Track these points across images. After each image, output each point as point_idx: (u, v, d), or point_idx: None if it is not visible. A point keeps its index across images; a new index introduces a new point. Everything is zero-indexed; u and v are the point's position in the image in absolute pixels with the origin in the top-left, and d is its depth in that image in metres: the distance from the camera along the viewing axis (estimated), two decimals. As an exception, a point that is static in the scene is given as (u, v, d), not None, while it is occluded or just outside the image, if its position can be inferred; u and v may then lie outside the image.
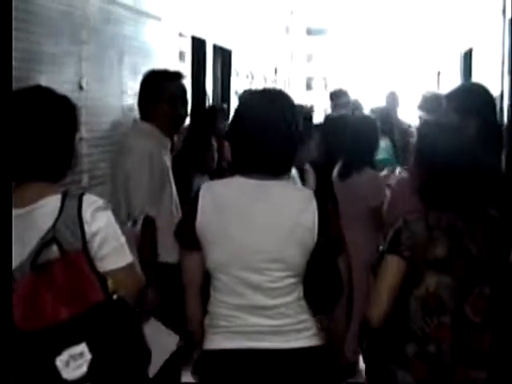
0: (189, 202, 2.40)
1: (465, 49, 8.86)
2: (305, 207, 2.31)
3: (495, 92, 4.67)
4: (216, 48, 9.07)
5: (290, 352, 2.27)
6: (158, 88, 3.60)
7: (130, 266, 2.13)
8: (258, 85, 11.77)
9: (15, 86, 2.03)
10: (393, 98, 7.51)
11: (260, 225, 2.28)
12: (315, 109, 8.64)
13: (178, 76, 3.75)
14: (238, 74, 10.31)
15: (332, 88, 9.33)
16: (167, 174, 3.61)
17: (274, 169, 2.33)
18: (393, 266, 2.34)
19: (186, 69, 7.62)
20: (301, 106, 7.46)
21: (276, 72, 14.00)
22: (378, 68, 21.97)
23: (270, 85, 13.10)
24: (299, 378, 2.27)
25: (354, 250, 2.59)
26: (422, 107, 5.33)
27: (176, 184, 3.71)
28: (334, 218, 2.39)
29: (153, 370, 2.27)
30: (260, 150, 2.30)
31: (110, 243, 2.08)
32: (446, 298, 2.32)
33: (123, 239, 2.13)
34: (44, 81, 4.05)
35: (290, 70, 16.47)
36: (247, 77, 11.11)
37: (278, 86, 13.81)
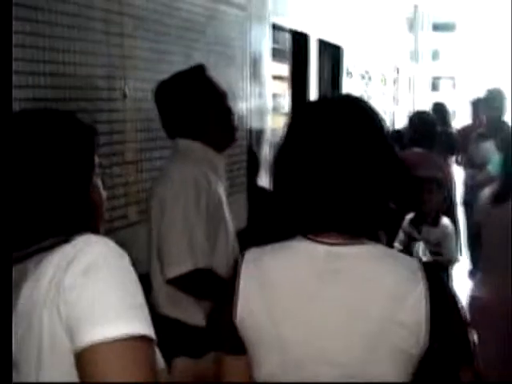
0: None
1: None
2: (405, 292, 1.57)
3: None
4: (322, 44, 7.75)
5: None
6: (199, 89, 2.84)
7: None
8: (375, 87, 10.45)
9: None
10: None
11: (330, 322, 1.58)
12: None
13: (202, 69, 2.94)
14: (350, 74, 9.00)
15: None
16: (221, 208, 2.77)
17: (354, 226, 1.63)
18: None
19: (282, 69, 6.43)
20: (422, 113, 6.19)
21: (398, 72, 12.61)
22: None
23: (390, 87, 11.73)
24: None
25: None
26: None
27: None
28: (456, 308, 1.64)
29: None
30: (332, 196, 1.61)
31: None
32: None
33: None
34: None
35: (414, 69, 15.12)
36: (362, 77, 9.77)
37: (401, 88, 12.44)
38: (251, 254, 1.73)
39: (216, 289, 2.64)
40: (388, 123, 8.62)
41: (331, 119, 1.66)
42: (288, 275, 1.66)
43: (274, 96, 6.40)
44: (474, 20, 22.03)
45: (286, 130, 1.73)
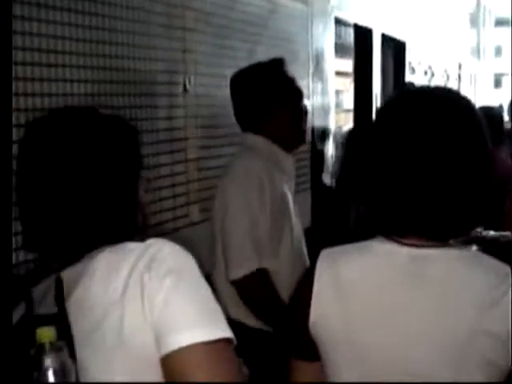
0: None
1: None
2: (494, 299, 1.43)
3: None
4: (386, 38, 7.57)
5: None
6: (276, 84, 2.71)
7: None
8: (438, 82, 10.23)
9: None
10: None
11: (413, 330, 1.46)
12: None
13: (281, 63, 2.81)
14: (413, 69, 8.80)
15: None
16: (286, 208, 2.66)
17: (441, 228, 1.49)
18: None
19: (346, 64, 6.28)
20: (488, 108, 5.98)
21: (460, 68, 12.33)
22: None
23: (453, 83, 11.47)
24: None
25: None
26: None
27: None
28: None
29: None
30: (421, 195, 1.47)
31: None
32: None
33: None
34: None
35: (476, 65, 14.80)
36: (425, 73, 9.56)
37: (463, 84, 12.18)
38: (326, 256, 1.60)
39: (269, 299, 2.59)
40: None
41: (427, 113, 1.52)
42: (367, 279, 1.54)
43: (337, 92, 6.25)
44: (538, 15, 21.62)
45: (376, 122, 1.59)
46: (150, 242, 1.40)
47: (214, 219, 2.70)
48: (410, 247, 1.51)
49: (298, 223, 2.74)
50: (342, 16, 6.11)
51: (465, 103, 1.57)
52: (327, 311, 1.54)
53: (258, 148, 2.69)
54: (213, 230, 2.70)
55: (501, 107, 7.37)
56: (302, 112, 2.77)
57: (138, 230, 1.53)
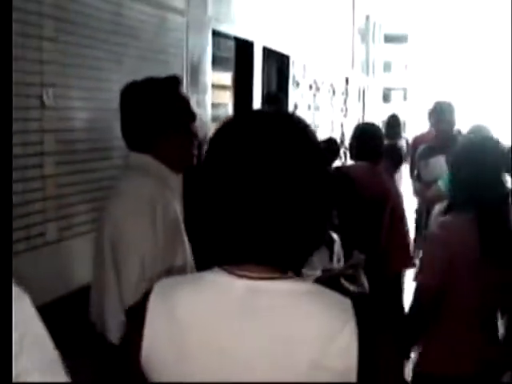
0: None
1: None
2: (333, 334, 1.37)
3: None
4: (269, 52, 7.55)
5: None
6: (171, 104, 2.60)
7: None
8: (323, 97, 10.32)
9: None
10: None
11: (247, 370, 1.37)
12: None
13: (177, 82, 2.69)
14: (298, 83, 8.82)
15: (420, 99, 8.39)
16: (178, 228, 2.58)
17: (278, 255, 1.42)
18: None
19: (226, 77, 6.22)
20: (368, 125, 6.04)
21: (347, 82, 12.49)
22: (465, 78, 20.70)
23: (339, 97, 11.60)
24: None
25: None
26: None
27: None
28: (390, 352, 1.43)
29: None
30: (254, 222, 1.40)
31: None
32: None
33: None
34: None
35: (365, 80, 15.07)
36: (310, 87, 9.60)
37: (350, 98, 12.34)
38: (160, 287, 1.52)
39: None
40: (337, 134, 8.51)
41: (256, 135, 1.45)
42: (200, 312, 1.45)
43: (217, 105, 6.18)
44: (425, 32, 22.17)
45: (208, 146, 1.52)
46: None
47: (102, 243, 2.56)
48: (245, 279, 1.44)
49: (187, 244, 2.64)
50: (222, 28, 6.04)
51: (296, 126, 1.51)
52: (160, 345, 1.46)
53: (146, 168, 2.58)
54: (101, 256, 2.56)
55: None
56: (192, 136, 2.67)
57: None
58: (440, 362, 2.97)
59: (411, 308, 2.99)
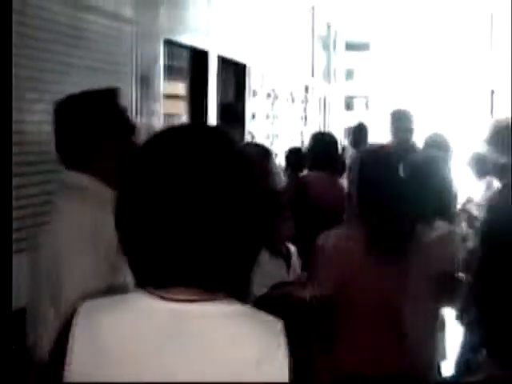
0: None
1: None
2: (263, 359, 1.34)
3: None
4: (225, 61, 7.51)
5: None
6: (105, 117, 2.48)
7: None
8: (282, 106, 10.29)
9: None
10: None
11: None
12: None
13: (114, 94, 2.57)
14: (255, 92, 8.79)
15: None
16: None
17: (206, 278, 1.38)
18: None
19: (180, 87, 6.17)
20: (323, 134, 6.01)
21: (307, 90, 12.48)
22: (426, 87, 20.86)
23: (298, 105, 11.60)
24: None
25: None
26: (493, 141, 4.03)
27: None
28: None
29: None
30: (178, 246, 1.35)
31: None
32: None
33: None
34: None
35: (327, 88, 15.09)
36: (268, 96, 9.58)
37: (310, 107, 12.34)
38: (85, 309, 1.46)
39: None
40: (297, 143, 8.45)
41: (176, 151, 1.41)
42: (123, 337, 1.40)
43: (171, 116, 6.12)
44: (388, 40, 22.33)
45: (128, 165, 1.47)
46: None
47: (40, 262, 2.46)
48: (171, 302, 1.39)
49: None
50: (176, 38, 5.99)
51: (221, 140, 1.46)
52: (82, 368, 1.41)
53: (84, 188, 2.45)
54: (38, 274, 2.47)
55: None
56: (134, 148, 2.57)
57: None
58: (356, 363, 2.99)
59: None
